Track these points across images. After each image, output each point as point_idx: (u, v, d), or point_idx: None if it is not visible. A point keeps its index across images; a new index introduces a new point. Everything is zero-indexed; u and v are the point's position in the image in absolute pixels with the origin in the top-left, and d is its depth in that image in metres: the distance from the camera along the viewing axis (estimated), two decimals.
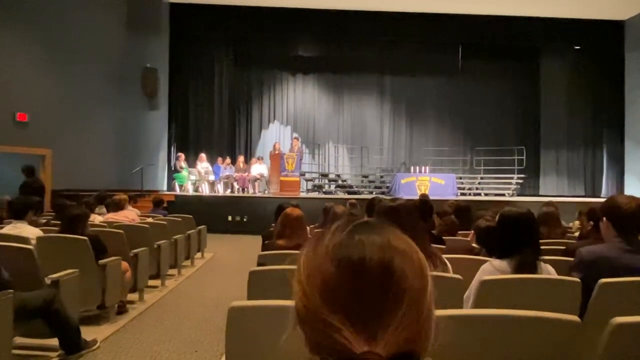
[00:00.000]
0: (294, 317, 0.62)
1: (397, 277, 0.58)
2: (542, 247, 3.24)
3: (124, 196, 6.42)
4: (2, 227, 4.33)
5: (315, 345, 0.59)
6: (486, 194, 13.49)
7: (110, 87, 12.35)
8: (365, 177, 15.22)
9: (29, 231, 3.89)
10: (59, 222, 4.39)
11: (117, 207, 6.06)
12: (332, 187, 14.44)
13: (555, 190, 14.50)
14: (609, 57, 14.25)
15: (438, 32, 14.25)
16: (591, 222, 3.48)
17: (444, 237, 4.01)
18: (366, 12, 14.17)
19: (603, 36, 14.01)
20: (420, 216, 3.18)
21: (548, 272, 2.35)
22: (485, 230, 3.27)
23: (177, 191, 12.72)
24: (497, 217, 2.58)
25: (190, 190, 12.89)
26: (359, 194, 13.18)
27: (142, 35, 13.23)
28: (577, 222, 5.71)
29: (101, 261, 3.94)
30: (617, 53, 14.02)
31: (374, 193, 13.37)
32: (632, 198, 2.44)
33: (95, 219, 5.66)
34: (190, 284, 6.00)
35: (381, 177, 15.02)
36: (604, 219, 2.49)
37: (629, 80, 13.74)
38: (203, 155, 13.34)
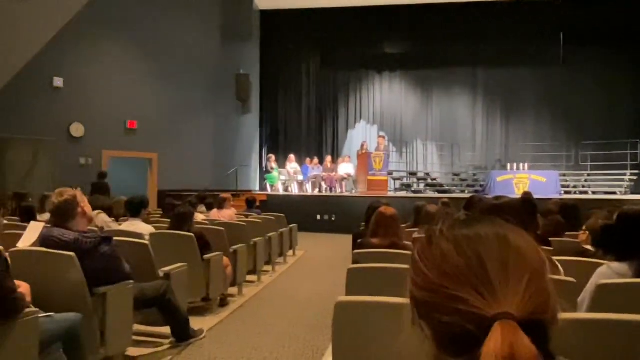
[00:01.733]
0: (412, 311, 0.63)
1: (515, 248, 0.59)
2: None
3: (227, 195, 6.82)
4: (120, 224, 4.81)
5: (443, 329, 0.58)
6: (594, 192, 12.35)
7: (208, 93, 13.17)
8: (457, 175, 14.68)
9: (143, 228, 4.27)
10: (168, 219, 4.76)
11: (221, 206, 6.45)
12: (421, 185, 14.12)
13: None
14: None
15: (535, 21, 13.34)
16: None
17: (554, 239, 3.74)
18: (453, 4, 13.68)
19: None
20: (524, 215, 3.00)
21: None
22: (603, 230, 3.00)
23: (269, 191, 13.21)
24: (615, 217, 2.36)
25: (280, 190, 13.32)
26: (450, 192, 12.75)
27: (236, 43, 13.95)
28: None
29: (206, 256, 4.21)
30: None
31: (466, 192, 12.86)
32: None
33: (198, 217, 6.07)
34: (284, 280, 6.21)
35: (474, 175, 14.39)
36: None
37: None
38: (292, 156, 13.74)
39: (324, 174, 13.27)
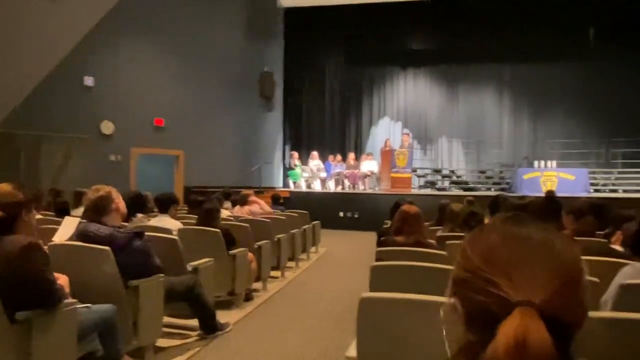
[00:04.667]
0: (450, 288, 0.69)
1: (558, 252, 0.64)
2: None
3: (248, 192, 6.94)
4: (149, 220, 4.95)
5: (472, 307, 0.64)
6: (625, 191, 12.03)
7: (232, 91, 13.34)
8: (483, 172, 14.50)
9: (171, 223, 4.40)
10: (196, 215, 4.89)
11: (244, 202, 6.57)
12: (446, 183, 14.00)
13: None
14: None
15: (563, 13, 13.01)
16: None
17: (580, 238, 3.70)
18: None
19: None
20: (548, 215, 2.99)
21: None
22: (637, 231, 2.97)
23: (291, 188, 13.32)
24: None
25: (303, 187, 13.41)
26: (476, 190, 12.60)
27: (260, 41, 14.09)
28: None
29: (231, 251, 4.32)
30: None
31: (492, 189, 12.68)
32: None
33: (223, 213, 6.19)
34: (307, 275, 6.29)
35: (500, 172, 14.19)
36: None
37: None
38: (315, 153, 13.80)
39: (346, 171, 13.29)
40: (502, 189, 12.24)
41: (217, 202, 5.42)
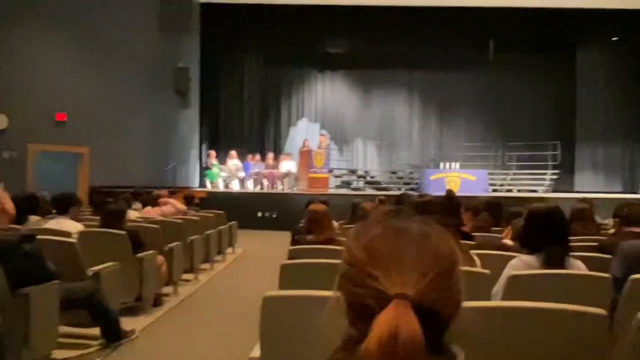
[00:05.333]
0: (336, 282, 0.71)
1: (433, 245, 0.68)
2: (574, 244, 3.20)
3: (161, 192, 6.65)
4: (46, 222, 4.57)
5: (353, 300, 0.66)
6: (519, 190, 13.21)
7: (144, 86, 12.69)
8: (394, 173, 15.16)
9: (71, 226, 4.09)
10: (99, 217, 4.59)
11: (155, 203, 6.28)
12: (361, 183, 14.44)
13: (591, 187, 14.04)
14: None
15: (468, 26, 13.96)
16: (617, 219, 3.42)
17: (477, 234, 4.00)
18: (393, 7, 14.04)
19: None
20: (447, 212, 3.19)
21: (578, 267, 2.34)
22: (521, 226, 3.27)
23: (208, 188, 12.98)
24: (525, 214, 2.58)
25: (221, 187, 13.13)
26: (388, 190, 13.14)
27: (174, 35, 13.51)
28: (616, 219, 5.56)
29: (138, 255, 4.11)
30: None
31: (402, 189, 13.30)
32: None
33: (132, 214, 5.88)
34: (222, 278, 6.16)
35: (410, 173, 14.93)
36: None
37: None
38: (233, 152, 13.57)
39: (265, 170, 13.23)
40: (412, 189, 12.90)
41: (125, 203, 5.14)
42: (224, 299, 4.99)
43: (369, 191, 13.01)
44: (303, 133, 15.42)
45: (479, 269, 2.34)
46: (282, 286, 2.29)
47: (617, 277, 2.33)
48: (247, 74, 15.33)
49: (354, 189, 13.66)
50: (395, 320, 0.59)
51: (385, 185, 14.14)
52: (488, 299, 2.26)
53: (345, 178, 14.54)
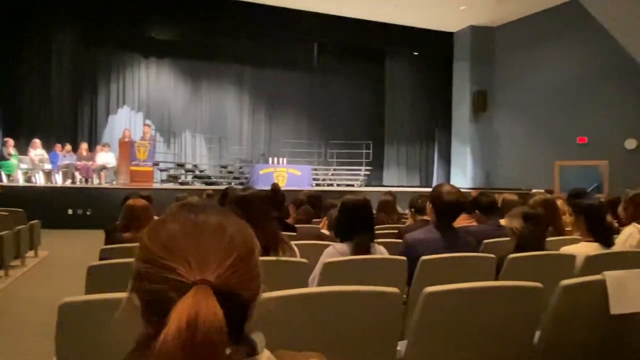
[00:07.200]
0: (130, 283, 0.67)
1: (231, 234, 0.69)
2: (379, 231, 3.62)
3: None
4: None
5: (150, 297, 0.63)
6: (338, 185, 14.37)
7: None
8: (224, 167, 15.05)
9: None
10: None
11: None
12: (189, 177, 13.97)
13: (397, 181, 16.10)
14: (441, 64, 16.16)
15: (297, 28, 14.57)
16: (412, 209, 4.01)
17: (300, 225, 4.22)
18: (225, 0, 13.89)
19: (436, 44, 15.81)
20: (272, 205, 3.30)
21: (381, 252, 2.64)
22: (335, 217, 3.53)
23: (4, 181, 11.07)
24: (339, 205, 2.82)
25: (20, 181, 11.33)
26: (218, 184, 12.97)
27: None
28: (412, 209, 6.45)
29: None
30: (448, 61, 15.99)
31: (232, 184, 13.29)
32: (454, 189, 2.84)
33: None
34: (19, 285, 5.33)
35: (240, 168, 15.00)
36: (430, 205, 2.87)
37: (455, 86, 15.79)
38: (37, 141, 11.77)
39: (78, 162, 11.82)
40: (242, 183, 12.99)
41: None
42: (22, 308, 4.32)
43: (198, 185, 12.65)
44: (124, 122, 14.20)
45: (298, 259, 2.46)
46: (89, 290, 2.08)
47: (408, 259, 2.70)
48: (57, 54, 13.36)
49: (181, 184, 13.12)
50: (195, 306, 0.58)
51: (215, 180, 13.92)
52: (306, 286, 2.41)
53: (172, 172, 13.88)
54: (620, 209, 3.45)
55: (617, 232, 3.27)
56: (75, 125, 13.96)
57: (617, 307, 1.75)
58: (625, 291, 1.79)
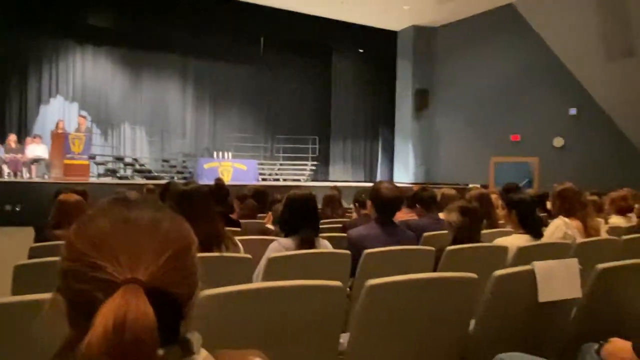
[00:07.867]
0: (57, 282, 0.63)
1: (165, 229, 0.66)
2: (324, 226, 3.65)
3: None
4: None
5: (76, 298, 0.60)
6: (284, 179, 14.34)
7: None
8: (166, 161, 14.60)
9: None
10: None
11: None
12: (129, 171, 13.43)
13: (342, 176, 16.29)
14: (385, 62, 16.48)
15: (243, 21, 14.33)
16: (356, 204, 4.10)
17: (244, 220, 4.17)
18: None
19: (381, 43, 16.10)
20: (215, 200, 3.24)
21: (325, 246, 2.67)
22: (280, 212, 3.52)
23: None
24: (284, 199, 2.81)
25: None
26: (160, 179, 12.55)
27: None
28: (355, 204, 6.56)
29: None
30: (392, 59, 16.33)
31: (175, 178, 12.91)
32: (394, 186, 2.91)
33: None
34: None
35: (183, 162, 14.61)
36: (370, 202, 2.93)
37: (398, 84, 16.16)
38: None
39: (6, 155, 11.05)
40: (185, 178, 12.66)
41: None
42: None
43: (139, 180, 12.18)
44: (57, 113, 13.40)
45: (242, 254, 2.44)
46: (15, 292, 1.95)
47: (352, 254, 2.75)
48: None
49: (120, 178, 12.58)
50: (123, 306, 0.55)
51: (156, 174, 13.46)
52: (250, 281, 2.39)
53: (110, 166, 13.27)
54: (548, 203, 3.68)
55: (546, 224, 3.48)
56: (3, 116, 13.02)
57: (544, 295, 1.87)
58: (552, 280, 1.91)
